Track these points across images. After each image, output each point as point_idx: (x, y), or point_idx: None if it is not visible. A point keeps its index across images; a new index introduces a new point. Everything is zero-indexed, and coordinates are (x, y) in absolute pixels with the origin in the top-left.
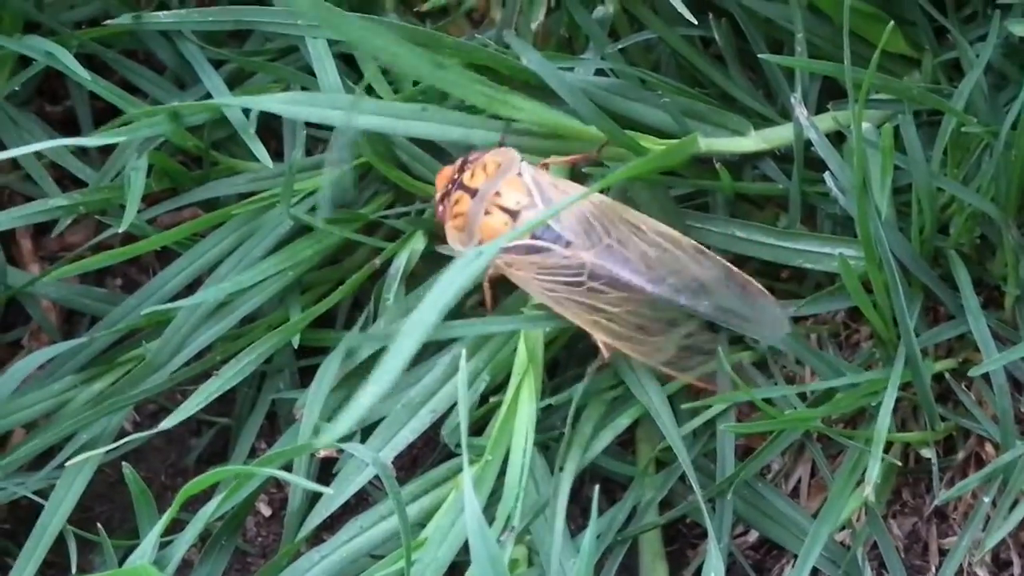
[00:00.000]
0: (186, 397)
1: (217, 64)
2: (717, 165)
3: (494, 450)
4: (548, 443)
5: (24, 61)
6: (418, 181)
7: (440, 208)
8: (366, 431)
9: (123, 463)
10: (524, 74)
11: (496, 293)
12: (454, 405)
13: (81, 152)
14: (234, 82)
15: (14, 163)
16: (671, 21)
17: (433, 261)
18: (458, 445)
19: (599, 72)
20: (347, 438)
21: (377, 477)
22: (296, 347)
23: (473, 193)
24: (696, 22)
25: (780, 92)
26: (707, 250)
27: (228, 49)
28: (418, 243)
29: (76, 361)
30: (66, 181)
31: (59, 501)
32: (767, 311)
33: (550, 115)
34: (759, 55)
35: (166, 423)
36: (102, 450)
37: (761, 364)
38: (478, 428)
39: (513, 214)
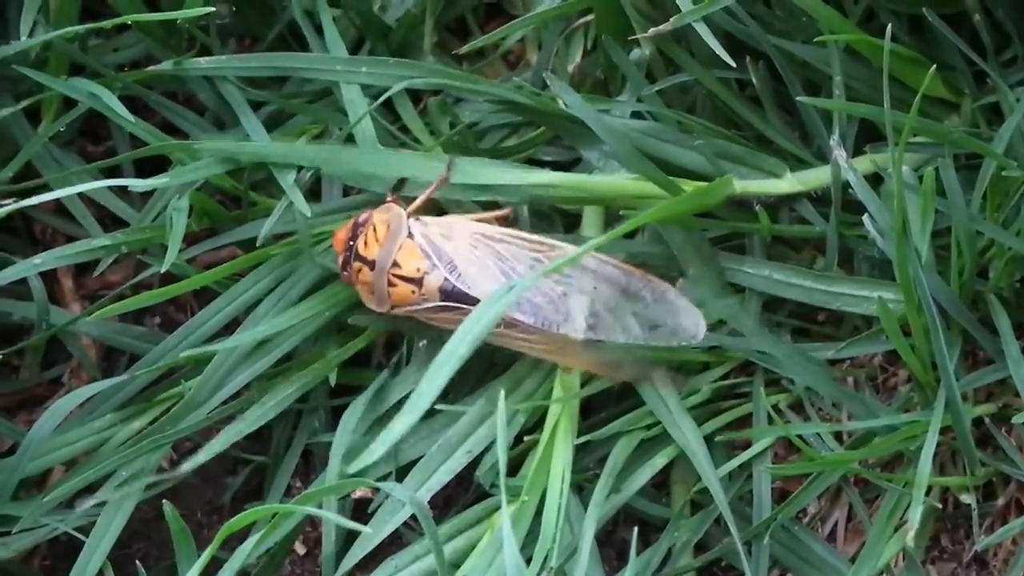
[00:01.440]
0: (219, 432)
1: (257, 105)
2: (756, 207)
3: (530, 490)
4: (582, 484)
5: (68, 102)
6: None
7: (344, 273)
8: (401, 472)
9: (163, 500)
10: (560, 116)
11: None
12: (489, 446)
13: (121, 191)
14: (273, 123)
15: (56, 201)
16: (707, 63)
17: None
18: (493, 485)
19: (635, 114)
20: (383, 478)
21: (412, 517)
22: (332, 386)
23: (371, 265)
24: (734, 64)
25: (816, 135)
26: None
27: (267, 91)
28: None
29: (116, 399)
30: (106, 219)
31: (99, 538)
32: (679, 313)
33: (577, 180)
34: (797, 98)
35: (201, 455)
36: (142, 486)
37: (797, 406)
38: (513, 468)
39: (417, 282)
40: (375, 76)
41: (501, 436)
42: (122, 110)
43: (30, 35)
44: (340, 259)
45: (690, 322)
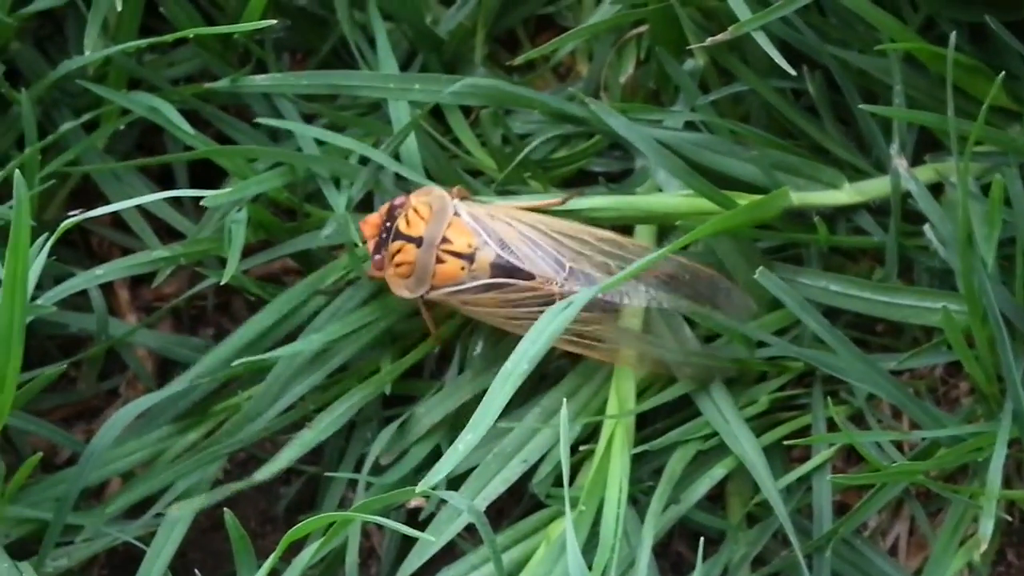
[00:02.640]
0: (275, 446)
1: (310, 118)
2: (815, 219)
3: (588, 500)
4: (636, 496)
5: (126, 116)
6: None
7: (376, 258)
8: (453, 482)
9: (224, 509)
10: (606, 124)
11: (433, 315)
12: (543, 456)
13: (177, 203)
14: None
15: (112, 214)
16: (763, 73)
17: None
18: (548, 496)
19: (688, 125)
20: (434, 488)
21: (465, 528)
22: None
23: (418, 242)
24: (794, 73)
25: (874, 144)
26: (645, 244)
27: (320, 104)
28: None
29: (172, 410)
30: (161, 231)
31: (160, 548)
32: (730, 294)
33: (630, 202)
34: (858, 107)
35: (261, 473)
36: (201, 497)
37: (856, 418)
38: (572, 478)
39: (469, 258)
40: (427, 93)
41: (564, 445)
42: (182, 123)
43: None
44: (371, 244)
45: (740, 300)
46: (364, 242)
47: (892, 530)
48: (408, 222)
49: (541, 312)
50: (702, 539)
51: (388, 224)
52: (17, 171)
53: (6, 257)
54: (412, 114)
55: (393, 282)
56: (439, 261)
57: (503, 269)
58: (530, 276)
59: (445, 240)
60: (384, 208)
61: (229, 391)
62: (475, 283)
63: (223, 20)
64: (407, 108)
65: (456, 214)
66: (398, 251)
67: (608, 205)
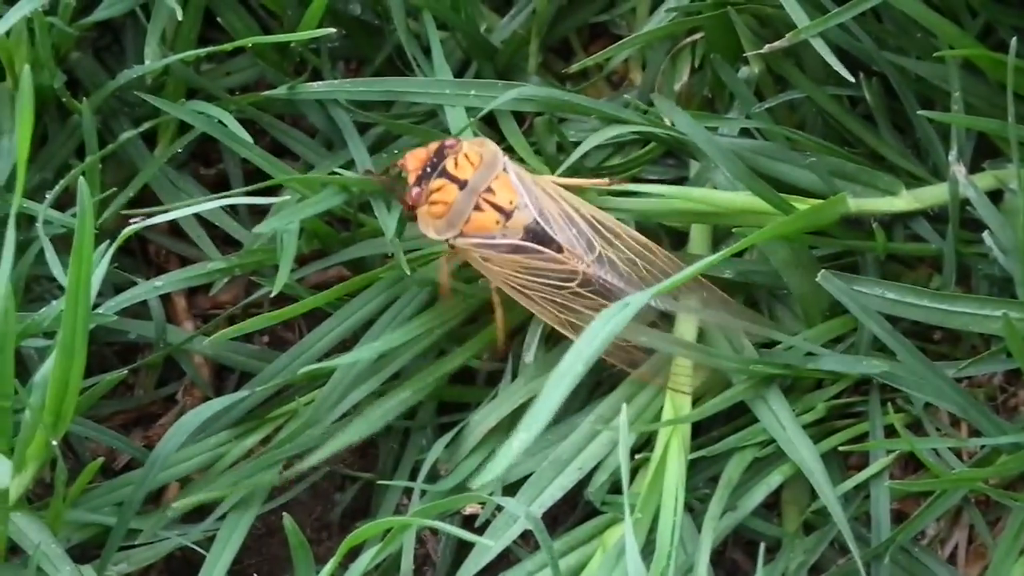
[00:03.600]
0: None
1: (364, 127)
2: (874, 225)
3: (644, 507)
4: (690, 503)
5: (183, 126)
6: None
7: (416, 191)
8: (508, 489)
9: (284, 514)
10: (669, 134)
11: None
12: (598, 464)
13: (232, 211)
14: (381, 144)
15: (169, 222)
16: (819, 80)
17: None
18: (604, 503)
19: (743, 132)
20: (491, 494)
21: (520, 536)
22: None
23: (462, 184)
24: (853, 80)
25: (931, 152)
26: (675, 256)
27: (375, 112)
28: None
29: (229, 416)
30: (216, 239)
31: (219, 552)
32: (730, 320)
33: (686, 192)
34: (917, 112)
35: (306, 463)
36: (260, 502)
37: (913, 426)
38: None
39: (507, 213)
40: (483, 99)
41: (623, 449)
42: (241, 132)
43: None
44: (412, 176)
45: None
46: (405, 173)
47: (951, 538)
48: (456, 164)
49: (557, 288)
50: (762, 545)
51: (435, 160)
52: (82, 178)
53: (70, 264)
54: (468, 121)
55: (424, 219)
56: (477, 208)
57: (536, 234)
58: (560, 249)
59: (489, 190)
60: (434, 146)
61: (285, 397)
62: (504, 241)
63: (279, 29)
64: (463, 114)
65: (505, 170)
66: (438, 189)
67: (664, 193)
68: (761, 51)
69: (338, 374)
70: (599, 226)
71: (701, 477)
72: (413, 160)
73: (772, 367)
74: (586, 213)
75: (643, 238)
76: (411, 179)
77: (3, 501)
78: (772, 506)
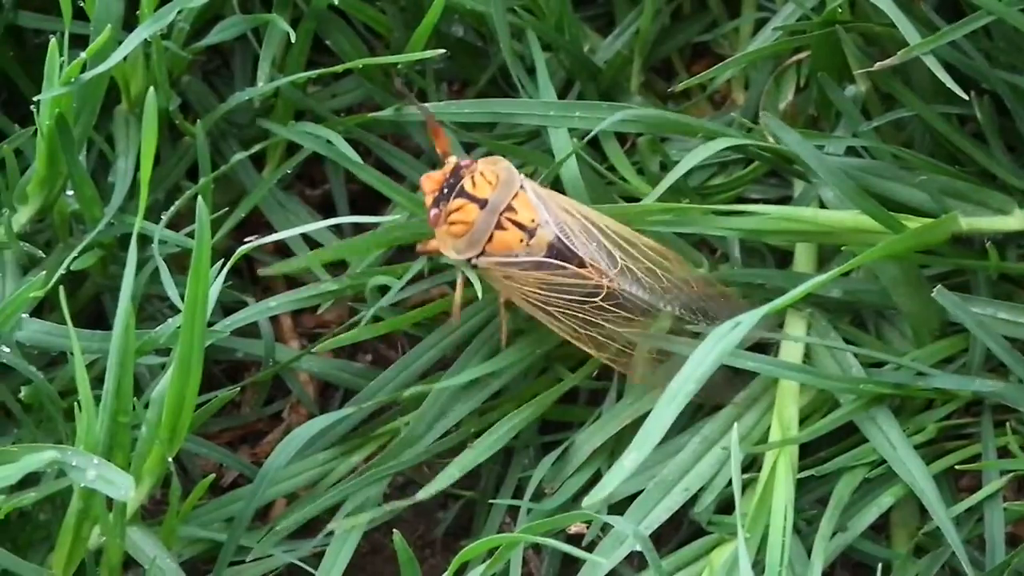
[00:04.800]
0: (432, 469)
1: (468, 147)
2: (987, 244)
3: (752, 527)
4: (798, 524)
5: (290, 147)
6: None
7: (433, 212)
8: (614, 509)
9: (394, 530)
10: (774, 154)
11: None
12: (706, 484)
13: (338, 231)
14: None
15: (275, 242)
16: (928, 98)
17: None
18: (710, 523)
19: (849, 151)
20: (599, 512)
21: (624, 557)
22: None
23: (481, 203)
24: (966, 97)
25: None
26: (683, 259)
27: (479, 133)
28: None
29: (335, 433)
30: None
31: (328, 569)
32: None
33: (793, 212)
34: None
35: (423, 492)
36: (367, 519)
37: None
38: (728, 507)
39: (530, 231)
40: (588, 120)
41: (735, 466)
42: (351, 152)
43: (251, 83)
44: (429, 198)
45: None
46: (422, 196)
47: None
48: (474, 183)
49: (580, 303)
50: (879, 567)
51: (451, 181)
52: (200, 198)
53: (188, 282)
54: (572, 142)
55: (443, 240)
56: (500, 227)
57: (559, 251)
58: (583, 264)
59: (510, 208)
60: (449, 166)
61: (389, 415)
62: (528, 259)
63: (383, 51)
64: (566, 136)
65: (522, 187)
66: (457, 209)
67: (771, 213)
68: (871, 69)
69: (435, 393)
70: (616, 237)
71: (807, 499)
72: (429, 182)
73: (882, 386)
74: (603, 225)
75: (657, 245)
76: (428, 201)
77: (121, 515)
78: (879, 528)
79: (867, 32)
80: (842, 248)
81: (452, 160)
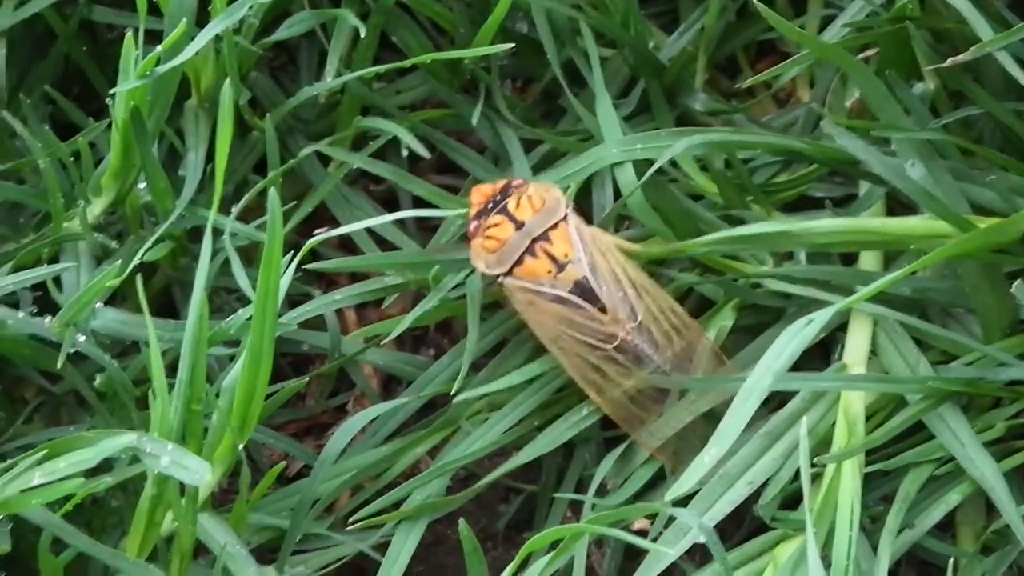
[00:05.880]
0: (494, 464)
1: (532, 144)
2: None
3: (818, 523)
4: (862, 521)
5: (355, 142)
6: (725, 258)
7: (474, 224)
8: (676, 504)
9: (460, 520)
10: (838, 155)
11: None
12: (769, 478)
13: (401, 225)
14: (547, 161)
15: (340, 236)
16: (998, 96)
17: (742, 334)
18: (774, 519)
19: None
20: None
21: (686, 552)
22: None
23: (518, 225)
24: None
25: None
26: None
27: (542, 129)
28: (726, 318)
29: (397, 421)
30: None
31: (394, 559)
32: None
33: (861, 224)
34: None
35: (485, 480)
36: (431, 511)
37: None
38: (792, 503)
39: (560, 265)
40: (650, 151)
41: (804, 459)
42: (419, 147)
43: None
44: (475, 209)
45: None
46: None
47: None
48: (518, 204)
49: (591, 348)
50: (951, 562)
51: (498, 198)
52: (272, 191)
53: (260, 273)
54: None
55: (476, 252)
56: (531, 254)
57: (584, 291)
58: (603, 309)
59: (546, 238)
60: (501, 183)
61: (452, 407)
62: (552, 291)
63: (449, 47)
64: (631, 171)
65: (565, 220)
66: (495, 225)
67: (838, 228)
68: (942, 66)
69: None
70: (644, 294)
71: (872, 496)
72: (477, 195)
73: (951, 384)
74: (634, 277)
75: (682, 311)
76: (472, 212)
77: (193, 502)
78: (943, 527)
79: (936, 29)
80: (911, 246)
81: (505, 180)
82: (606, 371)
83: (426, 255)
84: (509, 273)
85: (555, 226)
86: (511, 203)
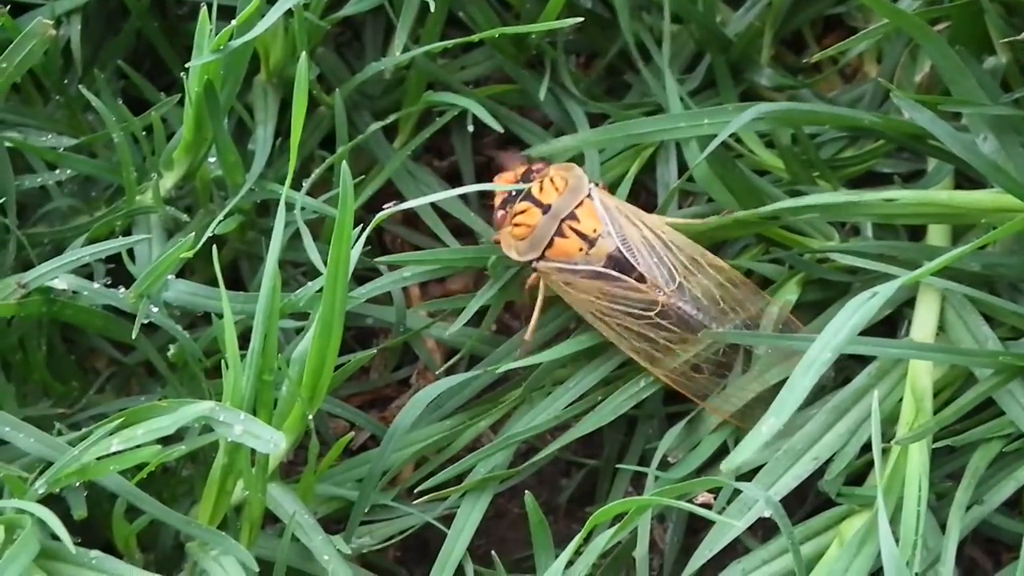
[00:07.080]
0: (557, 438)
1: (598, 118)
2: None
3: (886, 498)
4: (929, 498)
5: (420, 120)
6: (791, 233)
7: (500, 213)
8: (740, 479)
9: (526, 492)
10: (905, 131)
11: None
12: (834, 454)
13: (464, 200)
14: None
15: (404, 211)
16: None
17: (808, 309)
18: (839, 495)
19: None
20: (717, 488)
21: (748, 528)
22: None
23: (545, 208)
24: None
25: None
26: (749, 280)
27: (608, 103)
28: (790, 292)
29: (461, 396)
30: (450, 229)
31: (459, 530)
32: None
33: (928, 196)
34: None
35: (545, 451)
36: (496, 483)
37: None
38: (855, 479)
39: (590, 241)
40: (716, 126)
41: (876, 432)
42: (490, 119)
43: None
44: (499, 198)
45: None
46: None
47: None
48: (542, 188)
49: (635, 318)
50: (986, 547)
51: (521, 185)
52: (344, 164)
53: (331, 246)
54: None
55: (506, 241)
56: (561, 234)
57: (618, 263)
58: (641, 278)
59: (573, 216)
60: (521, 170)
61: (514, 382)
62: (586, 267)
63: (515, 23)
64: (696, 146)
65: (589, 196)
66: (522, 211)
67: (906, 200)
68: (1016, 38)
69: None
70: (679, 252)
71: (939, 472)
72: (501, 182)
73: (1022, 359)
74: (668, 240)
75: (723, 264)
76: (497, 201)
77: (263, 471)
78: (1011, 504)
79: (1009, 2)
80: (982, 220)
81: (525, 164)
82: (655, 339)
83: (480, 252)
84: (542, 257)
85: (580, 203)
86: (535, 188)
